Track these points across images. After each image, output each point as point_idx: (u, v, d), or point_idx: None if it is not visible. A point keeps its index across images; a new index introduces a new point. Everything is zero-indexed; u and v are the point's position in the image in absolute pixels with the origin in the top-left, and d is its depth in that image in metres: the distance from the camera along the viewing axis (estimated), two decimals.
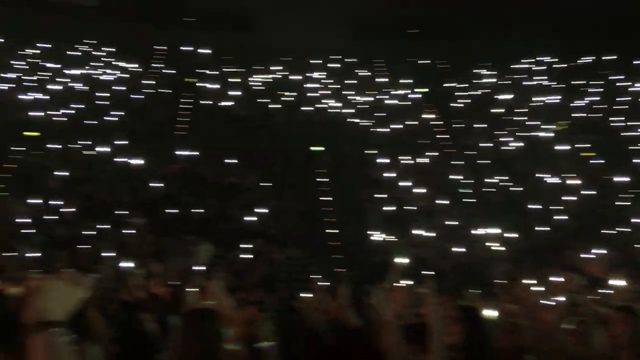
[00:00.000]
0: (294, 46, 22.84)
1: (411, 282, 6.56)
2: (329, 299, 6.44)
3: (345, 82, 22.56)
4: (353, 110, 20.89)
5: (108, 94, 20.29)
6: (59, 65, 21.43)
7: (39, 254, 10.28)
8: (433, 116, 21.24)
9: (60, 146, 17.18)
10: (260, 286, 9.90)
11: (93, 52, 22.96)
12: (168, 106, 20.52)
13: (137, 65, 22.57)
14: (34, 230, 13.43)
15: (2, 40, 22.03)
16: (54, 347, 1.60)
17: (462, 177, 17.42)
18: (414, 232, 14.88)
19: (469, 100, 22.04)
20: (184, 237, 14.24)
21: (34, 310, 1.66)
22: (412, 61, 23.78)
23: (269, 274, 13.28)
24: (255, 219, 15.28)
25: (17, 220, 13.81)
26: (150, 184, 16.14)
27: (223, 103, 20.50)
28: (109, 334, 4.69)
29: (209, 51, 23.07)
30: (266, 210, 15.52)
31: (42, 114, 18.48)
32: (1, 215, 14.25)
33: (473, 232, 14.89)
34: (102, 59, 22.75)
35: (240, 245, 13.98)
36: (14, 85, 19.92)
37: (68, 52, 22.29)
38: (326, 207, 17.13)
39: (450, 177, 17.58)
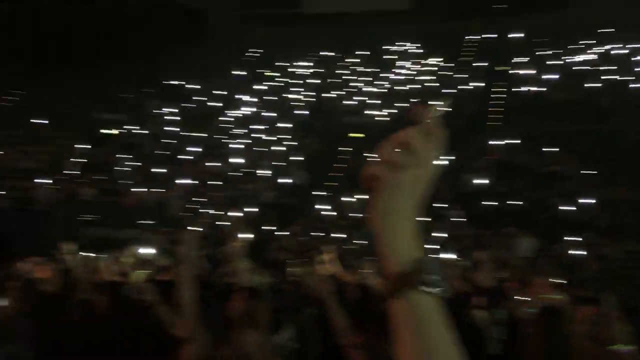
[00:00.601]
0: (614, 18, 20.45)
1: None
2: None
3: None
4: None
5: (421, 89, 21.00)
6: (377, 69, 22.98)
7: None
8: None
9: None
10: (592, 283, 9.14)
11: (407, 51, 24.04)
12: (481, 97, 20.34)
13: (442, 60, 22.83)
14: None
15: (331, 54, 24.54)
16: (424, 313, 0.94)
17: None
18: None
19: None
20: (503, 229, 13.97)
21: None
22: None
23: (602, 270, 12.22)
24: (577, 209, 14.18)
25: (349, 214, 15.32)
26: (467, 176, 16.21)
27: (539, 88, 19.45)
28: None
29: (522, 35, 22.15)
30: (592, 200, 14.27)
31: (368, 114, 20.02)
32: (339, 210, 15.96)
33: None
34: (415, 58, 23.65)
35: (566, 238, 13.15)
36: (343, 92, 22.02)
37: (383, 57, 23.75)
38: None
39: None
